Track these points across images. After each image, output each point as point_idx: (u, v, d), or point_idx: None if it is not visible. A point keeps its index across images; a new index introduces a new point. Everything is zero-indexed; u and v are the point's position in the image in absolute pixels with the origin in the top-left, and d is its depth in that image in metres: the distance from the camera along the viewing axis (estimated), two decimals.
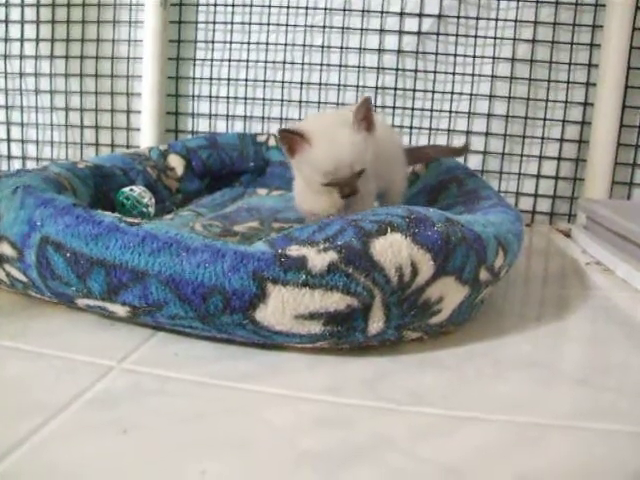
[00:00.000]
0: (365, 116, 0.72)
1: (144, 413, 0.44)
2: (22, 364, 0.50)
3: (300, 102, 1.34)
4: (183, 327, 0.53)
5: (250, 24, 1.36)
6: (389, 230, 0.52)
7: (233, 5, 1.35)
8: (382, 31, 1.30)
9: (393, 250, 0.51)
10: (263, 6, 1.35)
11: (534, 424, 0.46)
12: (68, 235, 0.51)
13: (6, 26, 1.43)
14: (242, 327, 0.50)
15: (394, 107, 1.31)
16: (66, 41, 1.42)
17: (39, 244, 0.53)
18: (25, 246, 0.54)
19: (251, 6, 1.35)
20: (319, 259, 0.49)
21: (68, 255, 0.51)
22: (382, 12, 1.30)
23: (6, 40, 1.44)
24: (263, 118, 1.37)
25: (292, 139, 0.71)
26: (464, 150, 0.93)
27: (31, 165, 1.47)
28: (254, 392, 0.48)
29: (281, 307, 0.49)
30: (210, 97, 1.38)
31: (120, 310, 0.53)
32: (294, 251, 0.49)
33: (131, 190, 0.93)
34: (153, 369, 0.50)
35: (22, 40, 1.43)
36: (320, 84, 1.34)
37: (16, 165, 1.49)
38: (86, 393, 0.46)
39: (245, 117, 1.38)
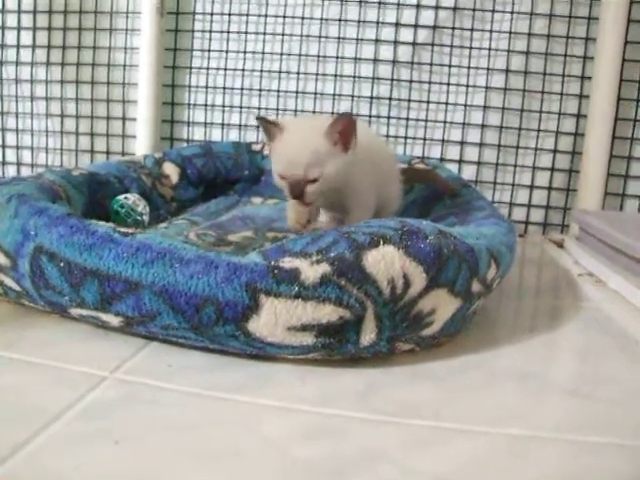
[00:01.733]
0: (342, 132, 0.71)
1: (136, 423, 0.44)
2: (15, 374, 0.50)
3: (295, 111, 1.34)
4: (176, 337, 0.53)
5: (246, 33, 1.36)
6: (382, 242, 0.52)
7: (229, 14, 1.36)
8: (377, 41, 1.31)
9: (386, 262, 0.51)
10: (259, 15, 1.35)
11: (526, 436, 0.46)
12: (62, 245, 0.52)
13: (2, 32, 1.43)
14: (235, 338, 0.50)
15: (389, 117, 1.32)
16: (62, 48, 1.42)
17: (33, 253, 0.53)
18: (19, 255, 0.54)
19: (247, 15, 1.36)
20: (312, 271, 0.49)
21: (62, 265, 0.51)
22: (378, 22, 1.31)
23: (2, 46, 1.44)
24: (258, 127, 1.37)
25: (269, 128, 0.74)
26: (456, 194, 0.93)
27: (26, 171, 1.47)
28: (246, 403, 0.48)
29: (274, 319, 0.49)
30: (205, 105, 1.39)
31: (113, 320, 0.53)
32: (287, 263, 0.50)
33: (125, 198, 0.93)
34: (146, 379, 0.50)
35: (18, 47, 1.43)
36: (315, 93, 1.34)
37: (11, 171, 1.49)
38: (79, 403, 0.46)
39: (240, 126, 1.38)
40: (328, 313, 0.50)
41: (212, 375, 0.52)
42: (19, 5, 1.41)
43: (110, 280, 0.50)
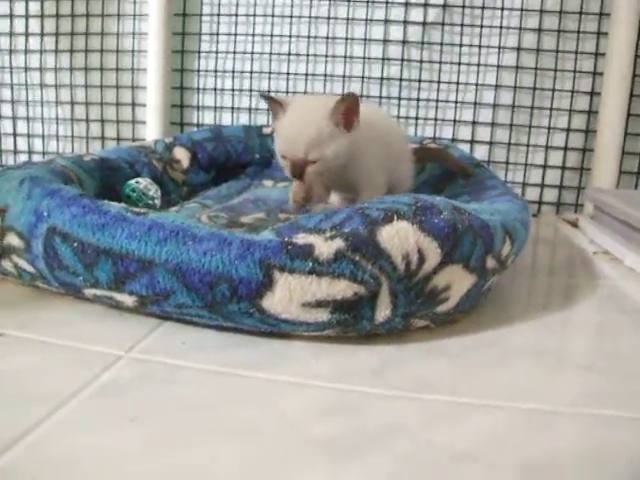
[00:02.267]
0: (346, 113, 0.71)
1: (152, 401, 0.44)
2: (31, 354, 0.51)
3: (305, 93, 1.34)
4: (190, 316, 0.53)
5: (255, 16, 1.35)
6: (396, 218, 0.52)
7: None
8: (387, 22, 1.30)
9: (400, 237, 0.50)
10: None
11: (541, 411, 0.46)
12: (75, 225, 0.52)
13: (11, 20, 1.43)
14: (249, 315, 0.50)
15: (399, 98, 1.31)
16: (71, 35, 1.41)
17: (46, 234, 0.53)
18: (32, 236, 0.54)
19: None
20: (326, 247, 0.49)
21: (75, 245, 0.51)
22: (387, 2, 1.29)
23: (11, 34, 1.44)
24: (269, 110, 1.36)
25: (274, 106, 0.74)
26: (470, 174, 0.92)
27: (37, 159, 1.48)
28: (262, 380, 0.48)
29: (288, 295, 0.49)
30: (215, 90, 1.38)
31: (127, 300, 0.53)
32: (301, 239, 0.49)
33: (137, 183, 0.93)
34: (161, 358, 0.50)
35: (27, 34, 1.43)
36: (325, 75, 1.33)
37: (22, 159, 1.49)
38: (94, 382, 0.46)
39: (250, 109, 1.38)
40: (343, 289, 0.49)
41: (227, 353, 0.51)
42: None
43: (123, 259, 0.50)
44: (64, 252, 0.52)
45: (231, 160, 1.17)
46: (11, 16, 1.43)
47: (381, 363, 0.52)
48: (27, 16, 1.42)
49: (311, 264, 0.48)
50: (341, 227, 0.50)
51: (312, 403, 0.45)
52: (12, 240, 0.56)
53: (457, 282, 0.55)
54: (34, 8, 1.42)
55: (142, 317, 0.56)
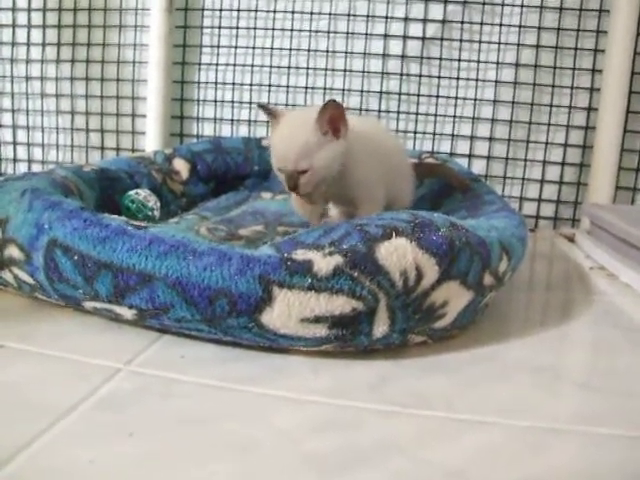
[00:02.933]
0: (331, 120, 0.71)
1: (151, 415, 0.44)
2: (30, 365, 0.51)
3: (305, 106, 1.35)
4: (189, 330, 0.53)
5: (255, 29, 1.37)
6: (394, 234, 0.52)
7: (238, 10, 1.36)
8: (386, 36, 1.31)
9: (398, 254, 0.51)
10: (268, 11, 1.35)
11: (537, 428, 0.46)
12: (76, 238, 0.52)
13: (13, 30, 1.44)
14: (248, 330, 0.50)
15: (398, 112, 1.32)
16: (72, 45, 1.42)
17: (47, 247, 0.53)
18: (33, 249, 0.55)
19: (256, 11, 1.36)
20: (325, 263, 0.49)
21: (76, 258, 0.52)
22: (387, 17, 1.30)
23: (13, 44, 1.45)
24: (268, 122, 1.37)
25: (270, 117, 0.75)
26: (469, 188, 0.92)
27: (37, 168, 1.48)
28: (259, 395, 0.48)
29: (287, 310, 0.49)
30: (215, 101, 1.39)
31: (127, 313, 0.53)
32: (300, 255, 0.50)
33: (136, 194, 0.94)
34: (160, 371, 0.50)
35: (29, 44, 1.44)
36: (325, 89, 1.34)
37: (22, 168, 1.50)
38: (93, 395, 0.46)
39: (250, 121, 1.39)
40: (341, 305, 0.50)
41: (225, 367, 0.52)
42: (29, 3, 1.42)
43: (124, 272, 0.50)
44: (65, 265, 0.52)
45: (230, 172, 1.18)
46: (13, 26, 1.44)
47: (378, 378, 0.52)
48: (29, 26, 1.43)
49: (310, 280, 0.49)
50: (340, 243, 0.51)
51: (308, 418, 0.46)
52: (12, 252, 0.57)
53: (454, 298, 0.55)
54: (36, 18, 1.43)
55: (141, 330, 0.57)
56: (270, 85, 1.37)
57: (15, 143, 1.49)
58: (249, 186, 1.20)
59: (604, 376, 0.56)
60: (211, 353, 0.54)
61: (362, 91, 1.33)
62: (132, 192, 0.94)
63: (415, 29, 1.30)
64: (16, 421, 0.42)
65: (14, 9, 1.44)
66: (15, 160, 1.50)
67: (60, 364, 0.51)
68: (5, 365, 0.51)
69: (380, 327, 0.52)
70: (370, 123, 0.74)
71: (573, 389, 0.53)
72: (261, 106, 0.76)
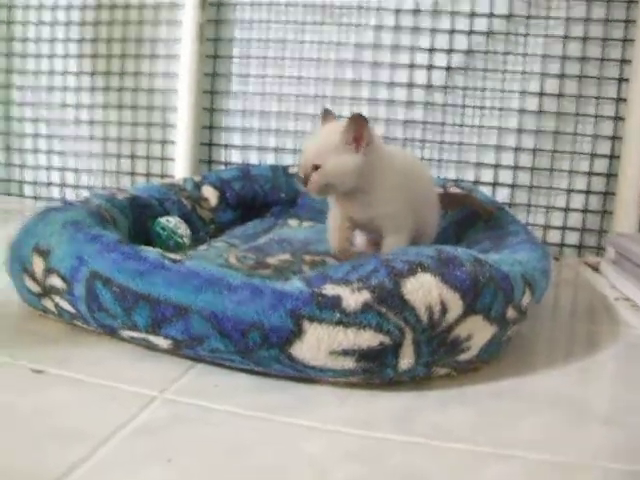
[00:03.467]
0: (356, 133, 0.75)
1: (187, 442, 0.46)
2: (67, 391, 0.53)
3: None
4: (222, 360, 0.55)
5: (283, 59, 1.40)
6: (419, 270, 0.54)
7: (267, 40, 1.40)
8: (412, 66, 1.33)
9: (423, 290, 0.53)
10: (295, 42, 1.39)
11: (560, 463, 0.47)
12: (115, 271, 0.55)
13: (51, 60, 1.50)
14: (279, 361, 0.52)
15: (423, 140, 1.34)
16: (106, 74, 1.47)
17: (88, 278, 0.56)
18: (74, 280, 0.57)
19: (284, 42, 1.40)
20: (353, 298, 0.51)
21: (115, 290, 0.54)
22: (412, 48, 1.33)
23: (50, 73, 1.50)
24: (295, 150, 1.40)
25: (323, 120, 0.83)
26: (494, 216, 0.95)
27: (69, 193, 1.53)
28: (288, 424, 0.50)
29: (316, 344, 0.51)
30: (242, 129, 1.42)
31: (163, 343, 0.56)
32: (329, 290, 0.52)
33: (167, 221, 0.97)
34: (194, 399, 0.52)
35: (65, 73, 1.50)
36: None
37: (55, 192, 1.55)
38: (131, 422, 0.48)
39: (276, 149, 1.42)
40: (368, 339, 0.52)
41: (256, 396, 0.54)
42: (67, 34, 1.48)
43: (161, 305, 0.53)
44: (104, 296, 0.55)
45: (258, 199, 1.21)
46: (51, 56, 1.50)
47: (404, 410, 0.53)
48: (66, 56, 1.49)
49: (339, 315, 0.51)
50: (368, 279, 0.53)
51: (335, 448, 0.47)
52: (55, 281, 0.59)
53: (478, 332, 0.57)
54: (73, 49, 1.49)
55: (175, 358, 0.59)
56: (297, 113, 1.40)
57: (49, 168, 1.54)
58: (275, 213, 1.23)
59: (629, 411, 0.57)
60: (243, 382, 0.56)
61: (387, 120, 1.35)
62: (163, 219, 0.97)
63: (440, 59, 1.32)
64: (57, 447, 0.45)
65: (52, 40, 1.50)
66: (49, 184, 1.55)
67: (97, 390, 0.53)
68: (44, 390, 0.53)
69: (406, 360, 0.53)
70: (401, 152, 0.77)
71: (596, 424, 0.54)
72: (326, 110, 0.84)
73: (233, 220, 1.16)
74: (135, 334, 0.56)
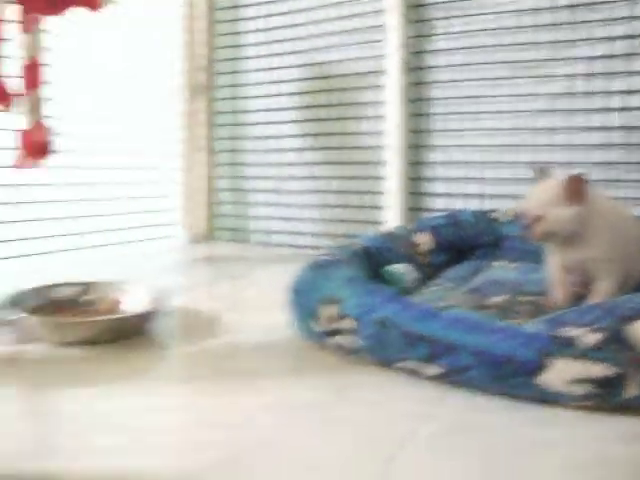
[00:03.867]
0: (573, 189, 0.89)
1: (471, 443, 0.62)
2: (358, 410, 0.70)
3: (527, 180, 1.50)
4: (477, 386, 0.72)
5: (479, 113, 1.56)
6: None
7: (466, 97, 1.57)
8: (607, 110, 1.43)
9: None
10: (491, 96, 1.54)
11: None
12: (399, 317, 0.74)
13: (278, 125, 1.81)
14: (526, 388, 0.68)
15: (617, 180, 1.42)
16: (326, 135, 1.75)
17: (376, 323, 0.76)
18: (363, 323, 0.77)
19: (477, 97, 1.56)
20: (587, 338, 0.65)
21: (400, 332, 0.73)
22: (605, 91, 1.42)
23: (278, 137, 1.81)
24: (495, 195, 1.55)
25: (539, 175, 0.99)
26: None
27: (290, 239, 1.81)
28: (532, 440, 0.64)
29: (557, 375, 0.66)
30: (446, 179, 1.60)
31: (430, 372, 0.73)
32: (567, 332, 0.67)
33: (395, 269, 1.15)
34: (459, 415, 0.69)
35: (288, 136, 1.80)
36: (545, 163, 1.48)
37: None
38: (418, 431, 0.65)
39: (478, 195, 1.57)
40: (599, 371, 0.65)
41: (508, 413, 0.69)
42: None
43: (436, 343, 0.71)
44: (390, 336, 0.74)
45: (465, 243, 1.36)
46: (279, 122, 1.81)
47: (630, 434, 0.65)
48: (288, 121, 1.79)
49: (576, 351, 0.65)
50: (599, 322, 0.67)
51: (569, 463, 0.59)
52: (347, 324, 0.80)
53: None
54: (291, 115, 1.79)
55: (436, 383, 0.76)
56: (495, 162, 1.54)
57: (271, 218, 1.84)
58: (480, 255, 1.37)
59: None
60: (494, 402, 0.71)
61: (584, 163, 1.45)
62: (392, 267, 1.16)
63: (636, 100, 1.40)
64: (365, 453, 0.61)
65: (269, 109, 1.81)
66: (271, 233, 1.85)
67: (382, 409, 0.71)
68: (342, 408, 0.72)
69: (631, 390, 0.66)
70: (607, 204, 0.91)
71: None
72: (541, 168, 0.99)
73: (443, 263, 1.32)
74: (408, 365, 0.75)
